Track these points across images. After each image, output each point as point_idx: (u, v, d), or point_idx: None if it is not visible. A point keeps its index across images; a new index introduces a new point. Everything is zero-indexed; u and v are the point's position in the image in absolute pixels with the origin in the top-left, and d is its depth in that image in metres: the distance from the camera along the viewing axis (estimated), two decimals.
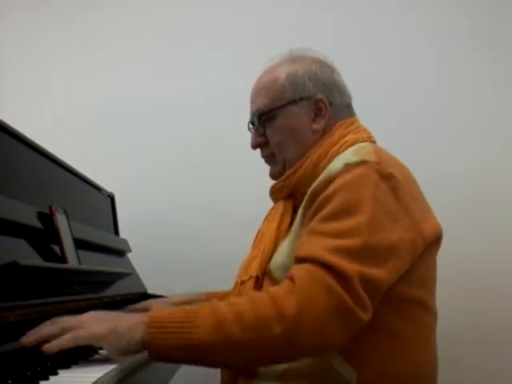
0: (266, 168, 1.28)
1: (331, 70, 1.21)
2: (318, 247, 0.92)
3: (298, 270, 0.92)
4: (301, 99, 1.16)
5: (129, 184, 2.14)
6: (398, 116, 2.03)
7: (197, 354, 0.85)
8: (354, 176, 0.97)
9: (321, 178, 1.03)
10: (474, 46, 2.05)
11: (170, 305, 1.20)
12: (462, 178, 2.00)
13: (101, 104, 2.25)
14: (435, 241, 1.05)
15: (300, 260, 0.94)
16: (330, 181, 1.00)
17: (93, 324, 0.85)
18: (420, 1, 2.11)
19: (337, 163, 1.02)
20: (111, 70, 2.27)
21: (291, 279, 0.91)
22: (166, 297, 1.55)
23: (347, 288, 0.87)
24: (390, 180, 0.98)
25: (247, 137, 1.26)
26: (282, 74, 1.18)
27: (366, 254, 0.91)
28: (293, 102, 1.17)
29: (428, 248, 1.02)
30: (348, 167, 0.99)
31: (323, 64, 1.21)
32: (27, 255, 0.98)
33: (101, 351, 0.99)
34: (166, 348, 0.84)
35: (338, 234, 0.92)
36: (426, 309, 1.05)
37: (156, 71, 2.24)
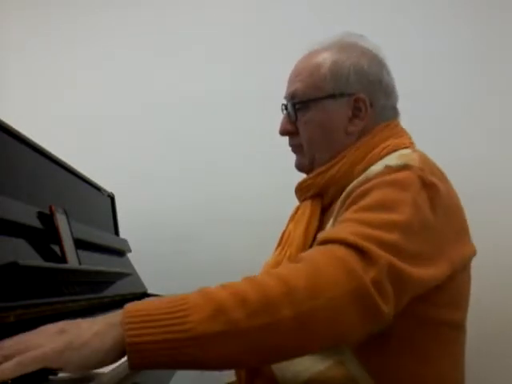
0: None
1: (381, 66, 1.10)
2: (347, 231, 0.80)
3: (313, 250, 0.82)
4: (341, 95, 1.06)
5: (129, 184, 2.14)
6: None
7: (192, 350, 0.67)
8: (395, 177, 0.88)
9: (359, 179, 0.94)
10: (474, 45, 2.05)
11: None
12: (462, 176, 2.00)
13: (101, 104, 2.25)
14: (465, 265, 0.97)
15: (322, 242, 0.82)
16: (368, 181, 0.91)
17: (44, 341, 0.65)
18: (421, 0, 2.11)
19: (378, 166, 0.94)
20: (111, 70, 2.27)
21: (301, 259, 0.79)
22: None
23: (372, 273, 0.75)
24: (431, 189, 0.89)
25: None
26: (326, 61, 1.07)
27: (400, 249, 0.80)
28: (331, 96, 1.07)
29: (457, 271, 0.93)
30: (389, 169, 0.90)
31: (373, 58, 1.10)
32: (27, 255, 0.98)
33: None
34: (151, 348, 0.65)
35: (371, 224, 0.81)
36: (458, 328, 1.00)
37: (155, 71, 2.24)
